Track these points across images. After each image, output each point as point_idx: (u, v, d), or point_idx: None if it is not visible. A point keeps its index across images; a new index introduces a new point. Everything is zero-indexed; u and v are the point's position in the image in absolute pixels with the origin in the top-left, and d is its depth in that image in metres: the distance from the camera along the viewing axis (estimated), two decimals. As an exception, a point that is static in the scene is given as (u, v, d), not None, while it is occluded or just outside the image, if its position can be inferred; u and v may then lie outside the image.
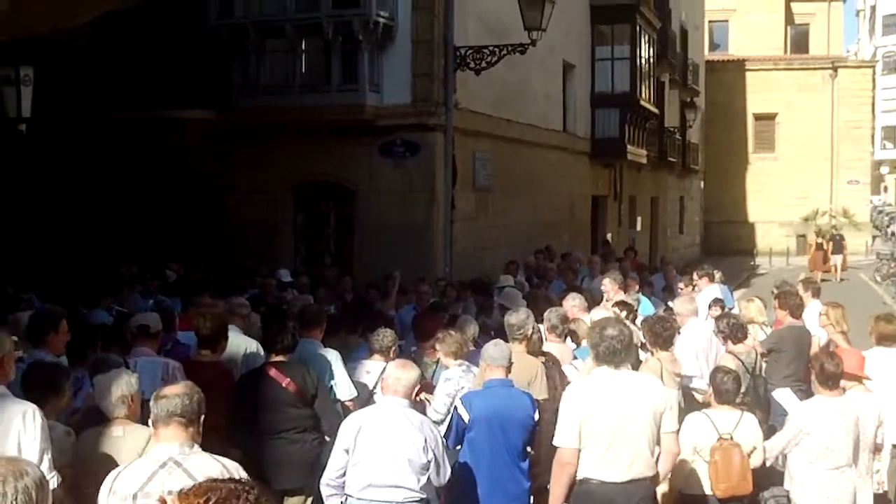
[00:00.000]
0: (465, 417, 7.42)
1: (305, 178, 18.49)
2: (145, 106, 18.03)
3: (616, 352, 6.48)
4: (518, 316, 8.84)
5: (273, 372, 7.69)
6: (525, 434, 7.54)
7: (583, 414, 6.41)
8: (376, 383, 8.58)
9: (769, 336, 10.90)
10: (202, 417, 5.21)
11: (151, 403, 5.21)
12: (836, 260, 38.40)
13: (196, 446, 5.07)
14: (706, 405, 8.30)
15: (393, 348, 8.86)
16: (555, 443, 6.59)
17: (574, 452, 6.43)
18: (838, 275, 37.63)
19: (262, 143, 18.25)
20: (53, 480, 5.71)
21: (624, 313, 10.99)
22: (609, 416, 6.36)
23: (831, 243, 38.90)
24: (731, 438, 7.56)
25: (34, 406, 5.77)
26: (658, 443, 6.49)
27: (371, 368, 8.78)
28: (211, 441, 5.23)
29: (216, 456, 5.09)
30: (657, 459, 6.51)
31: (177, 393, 5.21)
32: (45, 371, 6.71)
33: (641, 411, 6.39)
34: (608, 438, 6.34)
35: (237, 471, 4.97)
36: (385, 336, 8.87)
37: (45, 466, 5.65)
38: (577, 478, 6.47)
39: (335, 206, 18.77)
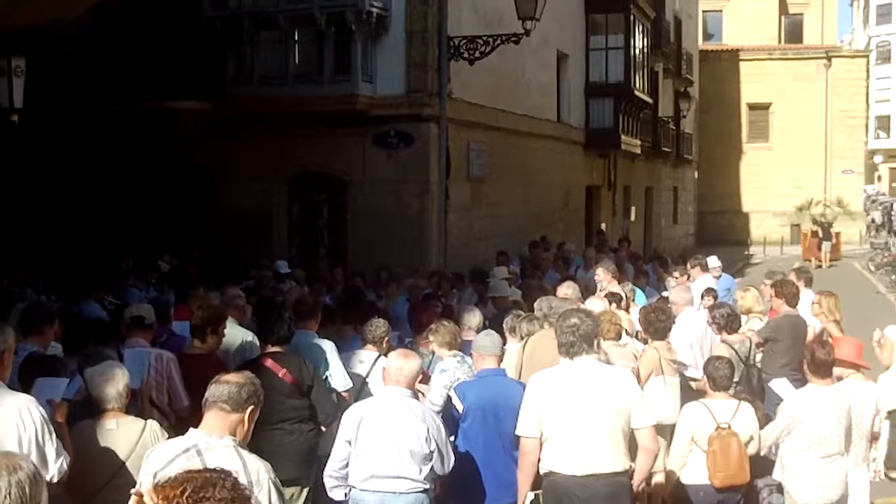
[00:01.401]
0: (459, 407, 7.43)
1: (299, 169, 18.47)
2: (139, 97, 18.01)
3: (571, 343, 6.46)
4: (550, 302, 9.05)
5: (269, 363, 7.68)
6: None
7: (541, 404, 6.44)
8: (369, 373, 8.61)
9: (765, 325, 10.90)
10: (251, 409, 5.15)
11: (208, 387, 5.19)
12: (825, 247, 38.89)
13: (229, 437, 5.02)
14: (701, 393, 8.29)
15: (386, 338, 8.86)
16: (517, 432, 6.65)
17: (533, 442, 6.48)
18: (825, 262, 37.99)
19: (256, 133, 18.22)
20: (62, 464, 5.74)
21: (613, 305, 11.00)
22: (566, 408, 6.35)
23: (821, 232, 39.50)
24: (730, 427, 7.56)
25: (32, 398, 5.78)
26: (629, 437, 6.42)
27: (364, 358, 8.79)
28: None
29: (244, 452, 5.02)
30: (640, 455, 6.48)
31: (228, 380, 5.19)
32: (44, 363, 6.71)
33: (601, 404, 6.32)
34: (566, 431, 6.33)
35: (259, 471, 4.94)
36: (378, 326, 8.87)
37: (50, 456, 5.72)
38: (543, 470, 6.48)
39: (329, 197, 18.76)
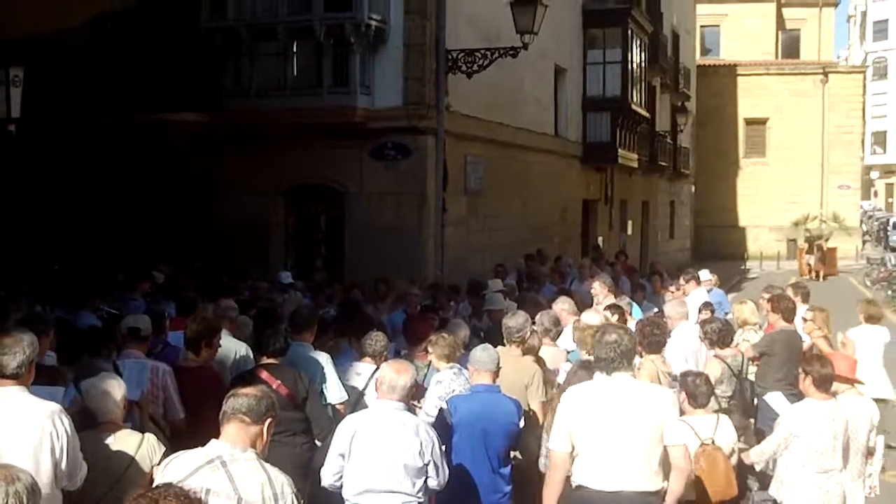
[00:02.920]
0: (449, 420, 7.42)
1: (296, 181, 18.45)
2: (137, 108, 18.00)
3: (611, 359, 6.41)
4: (517, 319, 8.88)
5: (264, 375, 7.66)
6: (508, 440, 7.54)
7: (573, 419, 6.37)
8: (366, 386, 8.58)
9: (761, 340, 10.93)
10: (269, 421, 5.18)
11: (225, 401, 5.20)
12: (806, 258, 40.06)
13: (251, 450, 5.04)
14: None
15: (385, 353, 8.84)
16: (548, 445, 6.60)
17: (563, 456, 6.40)
18: (812, 274, 38.55)
19: (254, 145, 18.22)
20: (83, 474, 5.83)
21: (615, 317, 11.00)
22: (598, 424, 6.30)
23: (807, 245, 40.62)
24: (713, 443, 7.54)
25: (59, 406, 5.82)
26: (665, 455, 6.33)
27: (361, 371, 8.76)
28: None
29: (267, 466, 5.05)
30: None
31: (247, 393, 5.20)
32: (43, 373, 6.70)
33: (636, 421, 6.26)
34: (598, 445, 6.28)
35: (283, 484, 4.97)
36: (378, 340, 8.83)
37: (78, 464, 5.79)
38: (574, 484, 6.42)
39: (326, 209, 18.75)
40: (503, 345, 8.84)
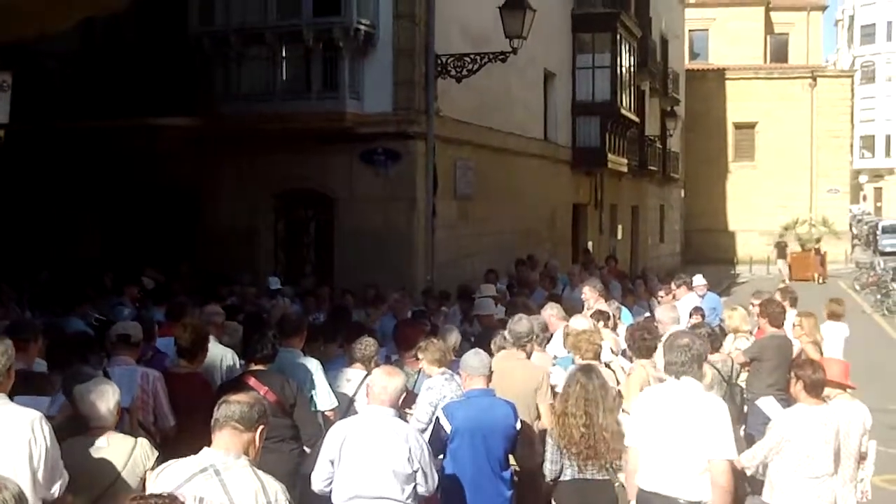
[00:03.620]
0: (447, 428, 7.39)
1: (286, 186, 18.40)
2: (126, 112, 17.92)
3: (682, 363, 6.58)
4: (524, 325, 8.99)
5: (252, 381, 7.63)
6: (506, 443, 7.54)
7: (642, 418, 6.65)
8: (356, 392, 8.55)
9: (751, 345, 10.93)
10: (261, 428, 5.17)
11: (216, 408, 5.18)
12: (780, 264, 41.42)
13: (244, 458, 5.03)
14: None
15: (375, 358, 8.82)
16: (625, 442, 6.92)
17: (633, 451, 6.76)
18: (783, 277, 39.25)
19: (243, 150, 18.17)
20: (63, 483, 5.75)
21: (601, 323, 11.02)
22: (659, 426, 6.49)
23: (776, 249, 42.57)
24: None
25: (40, 413, 5.76)
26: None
27: (352, 377, 8.74)
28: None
29: (261, 473, 5.05)
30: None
31: (238, 400, 5.19)
32: (32, 380, 6.67)
33: (692, 428, 6.37)
34: (656, 448, 6.47)
35: (277, 492, 4.98)
36: (368, 346, 8.83)
37: (57, 473, 5.74)
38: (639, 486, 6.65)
39: (315, 214, 18.70)
40: (491, 349, 8.85)
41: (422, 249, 17.78)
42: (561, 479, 7.23)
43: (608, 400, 7.34)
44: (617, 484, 7.21)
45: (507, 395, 8.01)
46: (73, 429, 6.48)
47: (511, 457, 7.78)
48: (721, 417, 6.48)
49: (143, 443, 6.35)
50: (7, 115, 14.37)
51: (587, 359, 8.68)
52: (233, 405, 5.13)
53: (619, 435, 7.23)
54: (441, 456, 7.42)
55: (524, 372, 8.62)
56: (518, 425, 7.58)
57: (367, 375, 8.56)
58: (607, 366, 9.25)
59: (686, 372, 6.55)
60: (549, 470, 7.21)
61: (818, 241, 43.27)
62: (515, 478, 8.13)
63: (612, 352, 10.36)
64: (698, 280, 16.38)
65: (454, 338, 9.87)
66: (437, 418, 7.61)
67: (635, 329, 9.52)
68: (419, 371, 8.87)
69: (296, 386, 7.86)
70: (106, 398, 6.26)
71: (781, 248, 42.27)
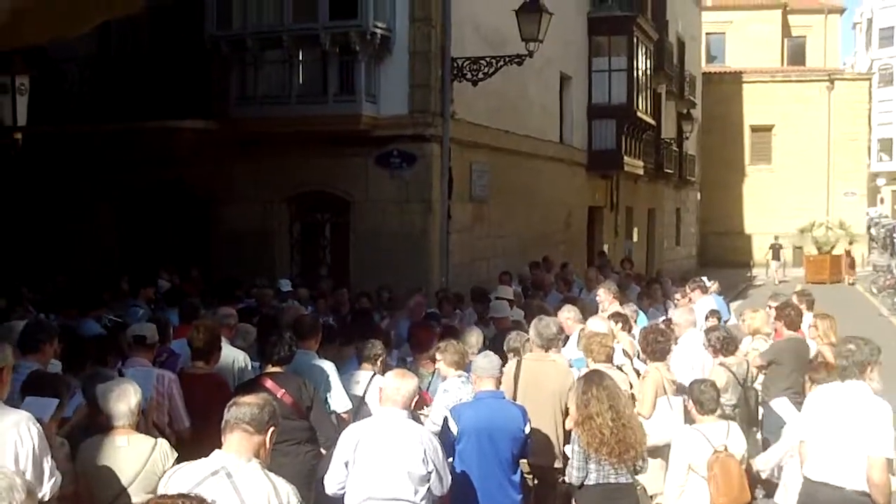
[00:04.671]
0: (454, 429, 7.39)
1: (301, 189, 18.45)
2: (142, 116, 17.99)
3: (844, 367, 6.98)
4: (552, 328, 9.14)
5: (268, 383, 7.65)
6: (515, 446, 7.52)
7: (810, 416, 7.09)
8: (365, 392, 8.58)
9: (769, 348, 10.89)
10: (272, 430, 5.17)
11: (226, 410, 5.18)
12: (774, 266, 41.95)
13: (255, 460, 5.03)
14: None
15: (382, 357, 8.84)
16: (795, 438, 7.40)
17: (802, 445, 7.13)
18: (776, 279, 40.28)
19: (259, 153, 18.23)
20: (55, 483, 5.75)
21: (618, 325, 11.00)
22: (826, 424, 6.88)
23: (770, 251, 42.83)
24: (726, 450, 7.50)
25: (28, 414, 5.78)
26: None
27: (360, 378, 8.77)
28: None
29: (272, 475, 5.05)
30: None
31: (249, 402, 5.18)
32: (47, 381, 6.70)
33: (857, 426, 6.69)
34: (824, 443, 6.86)
35: (289, 493, 4.98)
36: (373, 345, 8.87)
37: (46, 472, 5.74)
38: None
39: (331, 217, 18.74)
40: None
41: (437, 252, 17.79)
42: (585, 483, 7.20)
43: (625, 395, 7.40)
44: (639, 487, 7.21)
45: (538, 395, 8.07)
46: (89, 430, 6.51)
47: (525, 461, 7.78)
48: (883, 418, 6.76)
49: (162, 443, 6.39)
50: (25, 117, 14.47)
51: (599, 361, 8.70)
52: (243, 407, 5.13)
53: (642, 426, 7.28)
54: (450, 458, 7.42)
55: (556, 373, 8.76)
56: (527, 429, 7.57)
57: (374, 374, 8.62)
58: (620, 369, 9.23)
59: (848, 375, 6.92)
60: (575, 477, 7.18)
61: (850, 243, 44.21)
62: (531, 481, 8.15)
63: (628, 354, 10.35)
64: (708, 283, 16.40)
65: (475, 338, 9.90)
66: (445, 419, 7.61)
67: (649, 332, 9.51)
68: (433, 373, 8.89)
69: (312, 388, 7.88)
70: (127, 398, 6.30)
71: (776, 251, 42.67)
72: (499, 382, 7.69)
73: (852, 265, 41.85)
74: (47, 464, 5.73)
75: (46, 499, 5.78)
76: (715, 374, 9.55)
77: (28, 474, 5.62)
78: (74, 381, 7.53)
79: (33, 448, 5.65)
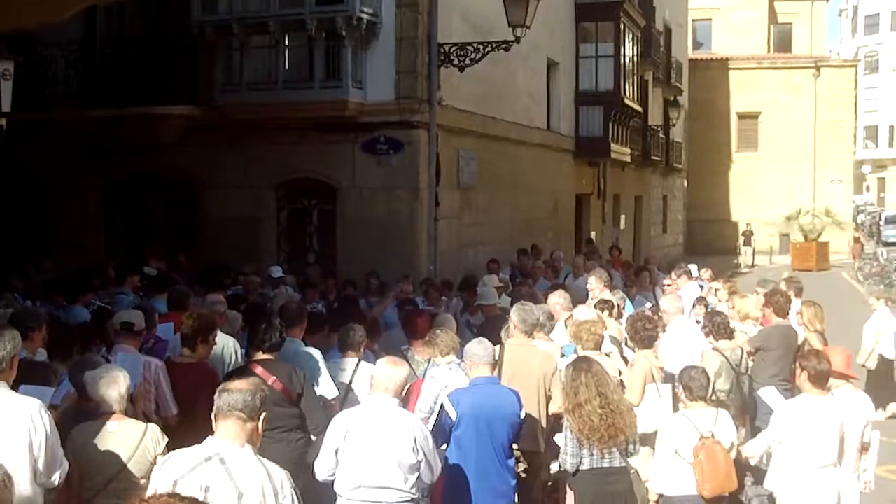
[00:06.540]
0: (453, 415, 7.39)
1: (288, 175, 18.38)
2: (128, 101, 17.91)
3: None
4: (532, 313, 9.20)
5: (259, 370, 7.62)
6: (511, 431, 7.54)
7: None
8: (351, 379, 8.56)
9: (757, 334, 10.91)
10: (263, 416, 5.17)
11: (216, 396, 5.16)
12: (746, 251, 43.51)
13: (248, 446, 5.03)
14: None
15: (364, 343, 8.82)
16: None
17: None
18: (748, 264, 41.87)
19: (245, 139, 18.15)
20: (63, 471, 5.80)
21: (605, 312, 11.01)
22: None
23: (743, 237, 44.73)
24: (713, 436, 7.50)
25: (40, 402, 5.85)
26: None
27: (346, 366, 8.75)
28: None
29: (265, 461, 5.06)
30: None
31: (240, 388, 5.16)
32: (36, 369, 6.68)
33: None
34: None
35: (283, 479, 5.00)
36: (356, 331, 8.83)
37: (58, 460, 5.84)
38: None
39: (318, 203, 18.66)
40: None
41: (424, 239, 17.76)
42: (580, 468, 7.19)
43: (613, 381, 7.40)
44: (632, 471, 7.21)
45: (523, 381, 8.07)
46: (77, 417, 6.49)
47: (514, 446, 7.79)
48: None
49: (153, 428, 6.43)
50: (9, 103, 14.40)
51: (588, 349, 8.71)
52: (235, 394, 5.11)
53: (632, 410, 7.28)
54: (444, 446, 7.41)
55: (541, 358, 8.77)
56: (522, 414, 7.59)
57: (359, 361, 8.61)
58: (608, 356, 9.23)
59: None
60: (570, 464, 7.16)
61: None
62: (520, 466, 8.15)
63: (616, 342, 10.35)
64: (696, 270, 16.44)
65: (450, 327, 9.87)
66: (442, 406, 7.60)
67: (636, 319, 9.51)
68: (428, 360, 8.89)
69: (303, 375, 7.86)
70: (118, 384, 6.33)
71: (747, 237, 44.09)
72: (493, 368, 7.70)
73: (862, 250, 42.55)
74: (59, 451, 5.80)
75: (56, 485, 5.80)
76: (708, 359, 9.57)
77: (41, 462, 5.65)
78: (61, 368, 7.51)
79: (46, 436, 5.72)
